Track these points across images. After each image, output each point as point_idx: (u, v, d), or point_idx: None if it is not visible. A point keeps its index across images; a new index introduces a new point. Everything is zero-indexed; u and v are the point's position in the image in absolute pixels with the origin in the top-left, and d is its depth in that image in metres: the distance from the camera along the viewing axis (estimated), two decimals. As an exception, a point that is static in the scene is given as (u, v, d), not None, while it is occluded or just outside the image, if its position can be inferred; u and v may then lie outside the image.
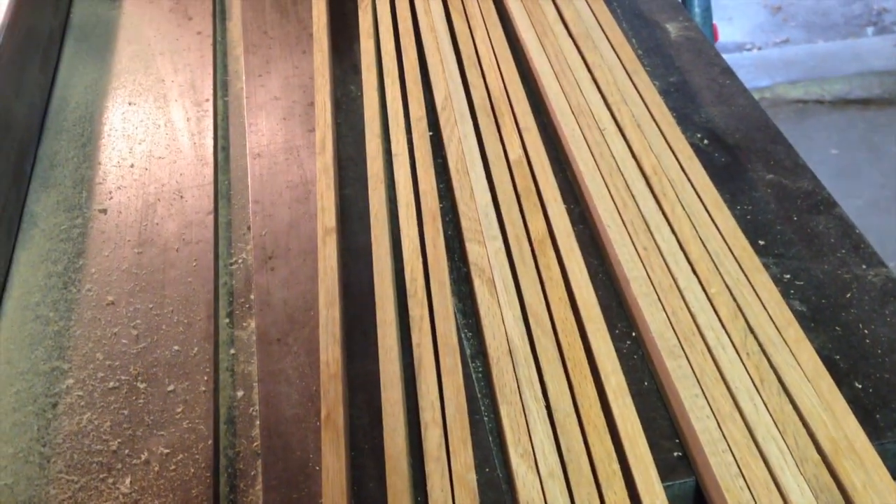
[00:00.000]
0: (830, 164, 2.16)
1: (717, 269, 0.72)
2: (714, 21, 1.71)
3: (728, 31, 2.71)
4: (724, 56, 1.03)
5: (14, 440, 0.67)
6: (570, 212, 0.81)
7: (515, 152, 0.86)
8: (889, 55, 2.47)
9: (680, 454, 0.63)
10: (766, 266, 0.74)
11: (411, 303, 0.72)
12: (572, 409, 0.64)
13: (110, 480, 0.64)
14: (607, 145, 0.85)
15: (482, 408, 0.67)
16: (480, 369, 0.70)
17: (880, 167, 2.16)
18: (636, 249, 0.74)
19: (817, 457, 0.59)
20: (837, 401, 0.63)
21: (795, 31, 2.75)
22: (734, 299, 0.70)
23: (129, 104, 0.99)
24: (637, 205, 0.78)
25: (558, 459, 0.61)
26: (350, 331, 0.72)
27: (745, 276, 0.72)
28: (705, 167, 0.82)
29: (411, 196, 0.82)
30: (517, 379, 0.66)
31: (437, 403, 0.65)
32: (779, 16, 2.81)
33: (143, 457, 0.65)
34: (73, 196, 0.88)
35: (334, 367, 0.67)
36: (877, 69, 2.43)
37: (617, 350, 0.68)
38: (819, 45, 2.66)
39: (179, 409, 0.68)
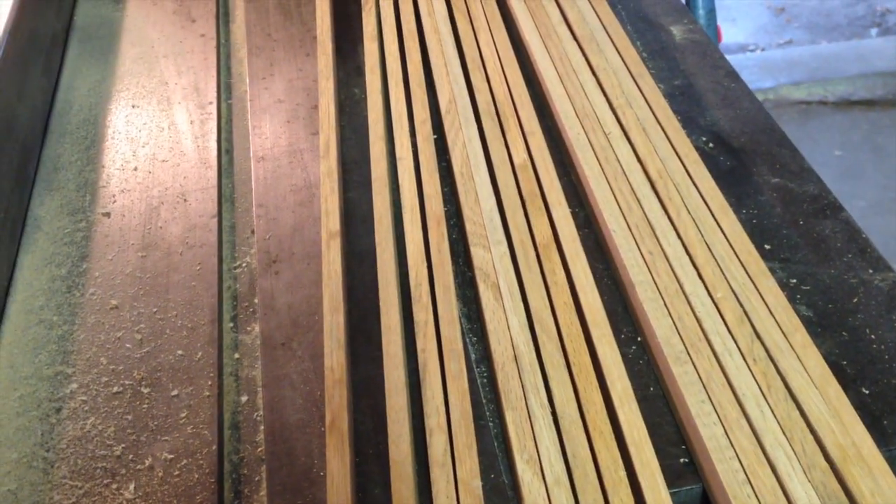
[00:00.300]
0: (834, 166, 2.16)
1: (722, 273, 0.72)
2: (717, 22, 1.70)
3: (731, 32, 2.70)
4: (728, 57, 1.02)
5: (18, 445, 0.66)
6: (575, 216, 0.80)
7: (520, 156, 0.85)
8: (892, 56, 2.47)
9: (686, 460, 0.63)
10: (773, 271, 0.74)
11: (416, 307, 0.72)
12: (578, 415, 0.63)
13: (114, 486, 0.63)
14: (612, 149, 0.85)
15: (487, 413, 0.66)
16: (485, 374, 0.69)
17: (883, 168, 2.15)
18: (641, 254, 0.74)
19: (825, 463, 0.59)
20: (845, 407, 0.62)
21: (799, 33, 2.74)
22: (740, 304, 0.69)
23: (133, 107, 0.99)
24: (642, 209, 0.78)
25: (564, 466, 0.60)
26: (354, 335, 0.72)
27: (752, 280, 0.71)
28: (711, 171, 0.82)
29: (416, 200, 0.81)
30: (522, 384, 0.65)
31: (442, 409, 0.64)
32: (782, 17, 2.80)
33: (147, 462, 0.65)
34: (77, 199, 0.88)
35: (339, 372, 0.67)
36: (880, 70, 2.43)
37: (622, 355, 0.67)
38: (822, 47, 2.66)
39: (183, 415, 0.68)
